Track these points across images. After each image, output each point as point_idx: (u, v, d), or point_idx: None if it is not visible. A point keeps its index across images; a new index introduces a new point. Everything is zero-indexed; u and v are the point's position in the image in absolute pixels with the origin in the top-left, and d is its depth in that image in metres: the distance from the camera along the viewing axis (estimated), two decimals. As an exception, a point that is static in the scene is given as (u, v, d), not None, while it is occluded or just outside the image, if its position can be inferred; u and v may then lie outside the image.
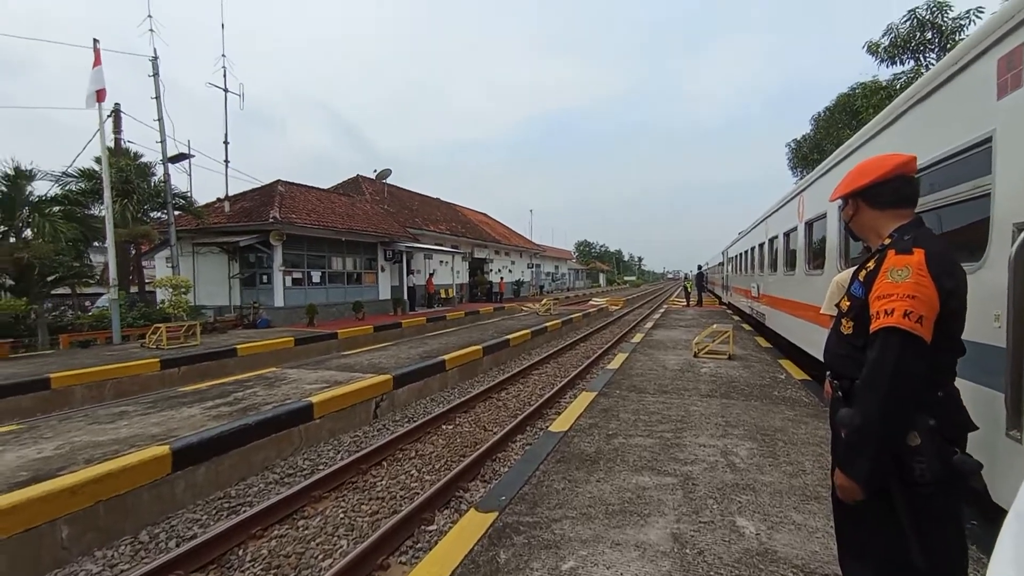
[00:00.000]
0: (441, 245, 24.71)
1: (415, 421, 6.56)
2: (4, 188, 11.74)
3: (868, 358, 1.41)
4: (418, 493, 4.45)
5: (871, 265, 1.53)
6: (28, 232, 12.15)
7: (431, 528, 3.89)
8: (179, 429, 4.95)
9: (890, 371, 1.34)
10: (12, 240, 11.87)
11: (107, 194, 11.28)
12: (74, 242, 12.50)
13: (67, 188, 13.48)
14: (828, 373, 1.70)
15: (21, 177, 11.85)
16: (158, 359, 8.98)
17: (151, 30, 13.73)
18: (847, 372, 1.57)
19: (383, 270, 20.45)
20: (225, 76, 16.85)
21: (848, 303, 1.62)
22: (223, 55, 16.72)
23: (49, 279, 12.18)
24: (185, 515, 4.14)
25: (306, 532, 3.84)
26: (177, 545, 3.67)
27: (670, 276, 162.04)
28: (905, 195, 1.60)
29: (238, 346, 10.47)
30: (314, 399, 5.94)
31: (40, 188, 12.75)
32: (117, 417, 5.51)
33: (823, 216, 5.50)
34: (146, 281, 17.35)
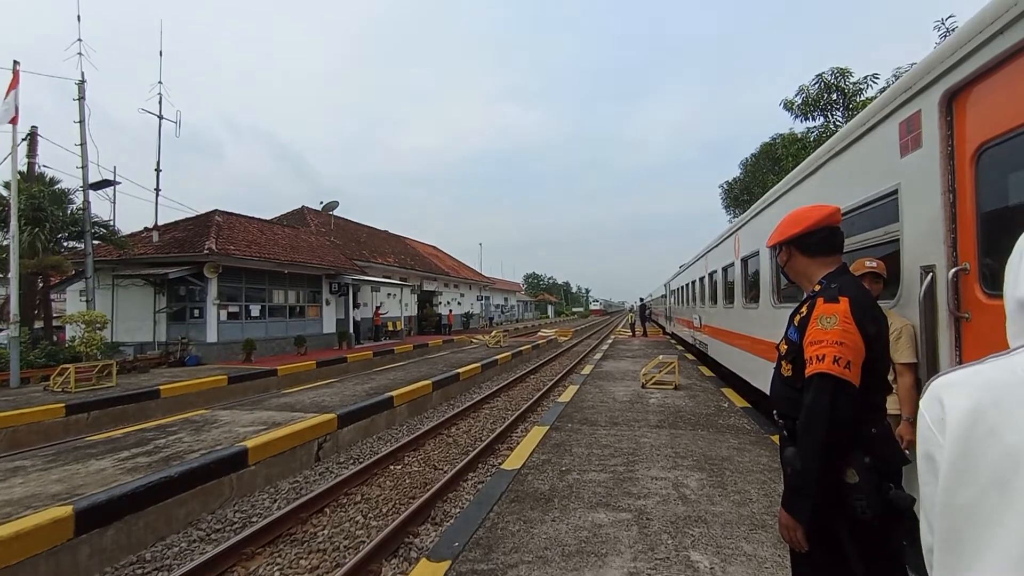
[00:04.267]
0: (389, 277, 24.21)
1: (361, 462, 6.20)
2: None
3: (804, 402, 1.49)
4: (364, 542, 4.16)
5: (804, 311, 1.62)
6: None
7: (378, 582, 3.63)
8: (86, 485, 4.39)
9: (824, 415, 1.41)
10: None
11: (14, 222, 10.25)
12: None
13: None
14: (775, 412, 1.76)
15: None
16: (63, 404, 8.01)
17: (80, 54, 12.95)
18: (790, 412, 1.62)
19: (328, 303, 19.68)
20: (160, 103, 16.07)
21: (786, 347, 1.68)
22: (159, 82, 15.98)
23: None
24: (89, 586, 3.63)
25: (235, 597, 3.47)
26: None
27: (595, 305, 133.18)
28: (832, 244, 1.71)
29: (161, 386, 9.57)
30: (249, 443, 5.48)
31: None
32: (11, 473, 4.81)
33: (756, 254, 5.91)
34: (55, 316, 15.65)
